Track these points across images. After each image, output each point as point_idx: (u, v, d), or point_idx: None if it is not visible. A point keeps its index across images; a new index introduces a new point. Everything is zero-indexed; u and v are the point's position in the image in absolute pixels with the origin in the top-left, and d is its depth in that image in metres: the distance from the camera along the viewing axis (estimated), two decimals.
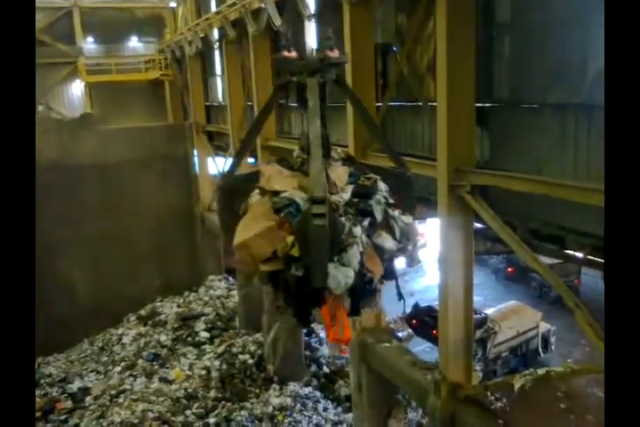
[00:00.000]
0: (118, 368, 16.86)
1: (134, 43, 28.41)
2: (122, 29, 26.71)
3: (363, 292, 4.18)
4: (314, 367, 15.64)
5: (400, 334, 17.23)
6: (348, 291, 3.97)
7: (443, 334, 7.47)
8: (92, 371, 17.41)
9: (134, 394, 14.94)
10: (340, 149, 4.85)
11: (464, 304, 7.25)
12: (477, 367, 14.82)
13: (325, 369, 15.69)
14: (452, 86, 6.50)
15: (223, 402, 14.33)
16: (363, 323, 9.32)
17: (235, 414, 13.78)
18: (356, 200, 4.26)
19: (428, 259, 16.19)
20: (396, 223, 4.32)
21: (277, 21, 10.95)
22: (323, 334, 16.00)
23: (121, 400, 14.86)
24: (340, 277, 3.82)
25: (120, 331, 19.31)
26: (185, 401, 14.50)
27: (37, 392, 16.05)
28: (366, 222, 4.15)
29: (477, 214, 6.76)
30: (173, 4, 24.77)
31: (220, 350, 16.57)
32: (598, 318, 5.48)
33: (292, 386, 14.53)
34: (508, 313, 17.27)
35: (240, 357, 15.86)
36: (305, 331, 15.80)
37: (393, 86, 8.62)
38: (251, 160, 14.15)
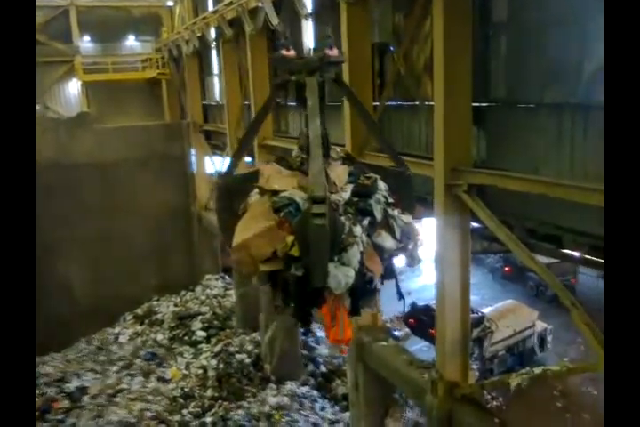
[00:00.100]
0: (115, 367, 16.84)
1: (131, 42, 28.35)
2: (119, 28, 26.63)
3: (363, 291, 4.17)
4: (311, 367, 15.66)
5: (397, 334, 17.25)
6: (349, 291, 3.96)
7: (439, 333, 7.49)
8: (89, 370, 17.35)
9: (131, 393, 14.94)
10: (338, 149, 4.85)
11: (461, 303, 7.27)
12: (474, 366, 14.86)
13: (322, 368, 15.71)
14: (449, 86, 6.51)
15: (220, 401, 14.34)
16: (360, 322, 9.33)
17: (232, 413, 13.77)
18: (355, 199, 4.25)
19: (424, 258, 16.18)
20: (396, 223, 4.32)
21: (274, 20, 10.95)
22: (320, 334, 16.01)
23: (118, 400, 14.85)
24: (341, 276, 3.81)
25: (117, 330, 19.31)
26: (182, 400, 14.51)
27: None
28: (366, 222, 4.14)
29: (474, 214, 6.77)
30: (170, 3, 24.72)
31: (217, 349, 16.57)
32: (595, 316, 5.51)
33: (289, 385, 14.54)
34: (505, 312, 17.31)
35: (237, 356, 15.86)
36: (302, 330, 15.81)
37: (390, 86, 8.62)
38: (248, 159, 14.13)
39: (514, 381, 6.31)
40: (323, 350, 16.36)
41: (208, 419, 13.69)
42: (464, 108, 6.64)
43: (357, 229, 3.99)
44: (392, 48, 8.81)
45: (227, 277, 21.17)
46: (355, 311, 4.27)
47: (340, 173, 4.42)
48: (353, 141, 8.92)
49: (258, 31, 12.51)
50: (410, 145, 8.47)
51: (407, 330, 18.08)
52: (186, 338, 17.86)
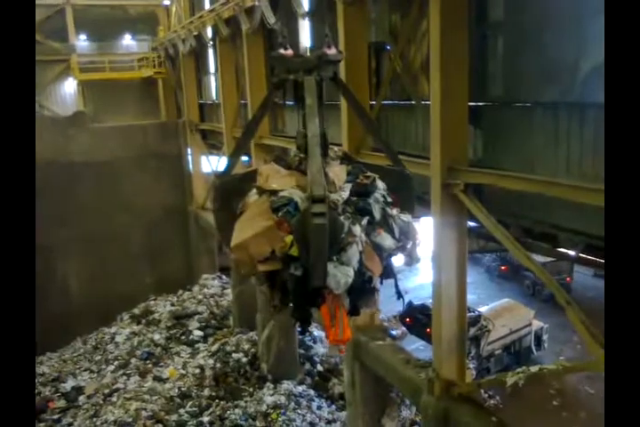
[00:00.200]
0: (112, 367, 16.84)
1: (127, 40, 28.32)
2: (115, 27, 26.60)
3: (362, 291, 4.16)
4: (308, 366, 15.67)
5: (394, 333, 17.25)
6: (348, 290, 3.95)
7: (436, 332, 7.50)
8: (85, 370, 17.36)
9: (128, 393, 14.93)
10: (336, 148, 4.84)
11: (457, 302, 7.29)
12: (471, 365, 14.88)
13: (319, 367, 15.72)
14: (446, 85, 6.52)
15: (217, 401, 14.34)
16: (357, 321, 9.34)
17: (229, 412, 13.78)
18: (354, 199, 4.25)
19: (422, 257, 16.20)
20: (395, 222, 4.31)
21: (271, 19, 10.94)
22: (316, 333, 16.02)
23: (114, 399, 14.84)
24: (340, 276, 3.80)
25: (113, 330, 19.28)
26: (179, 400, 14.49)
27: None
28: (365, 221, 4.13)
29: (471, 213, 6.78)
30: (167, 2, 24.65)
31: (214, 348, 16.57)
32: (590, 315, 5.53)
33: (286, 384, 14.54)
34: (501, 311, 17.33)
35: (234, 355, 15.86)
36: (299, 329, 15.78)
37: (386, 85, 8.63)
38: (244, 159, 14.13)
39: (510, 379, 6.33)
40: (319, 348, 16.37)
41: (205, 418, 13.70)
42: (461, 108, 6.65)
43: (356, 229, 3.98)
44: (388, 47, 8.81)
45: (224, 276, 21.15)
46: (354, 311, 4.26)
47: (338, 172, 4.41)
48: (350, 141, 8.92)
49: (254, 30, 12.51)
50: (406, 144, 8.48)
51: (404, 329, 18.09)
52: (183, 337, 17.85)
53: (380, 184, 4.45)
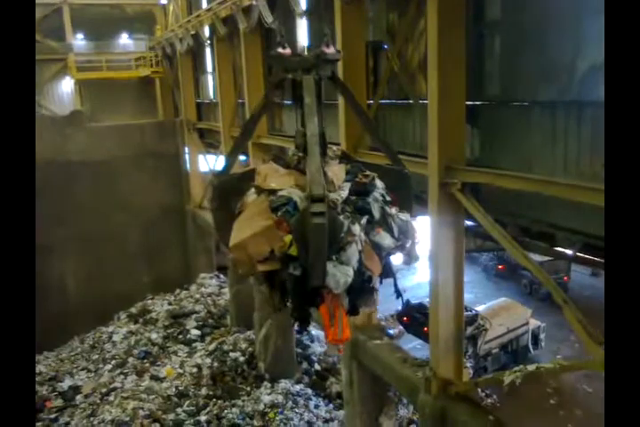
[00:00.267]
0: (109, 366, 16.82)
1: (125, 40, 28.26)
2: (112, 26, 26.54)
3: (362, 291, 4.16)
4: (305, 365, 15.66)
5: (391, 332, 17.25)
6: (347, 290, 3.94)
7: (433, 331, 7.51)
8: (82, 369, 17.34)
9: (125, 392, 14.91)
10: (335, 147, 4.84)
11: (455, 301, 7.29)
12: (468, 364, 14.89)
13: (317, 366, 15.72)
14: (443, 84, 6.52)
15: (214, 400, 14.34)
16: (354, 320, 9.34)
17: (226, 411, 13.78)
18: (353, 198, 4.24)
19: (421, 256, 16.22)
20: (394, 221, 4.31)
21: (269, 18, 10.93)
22: (314, 332, 16.01)
23: (112, 398, 14.83)
24: (340, 275, 3.79)
25: (111, 329, 19.25)
26: (176, 399, 14.49)
27: None
28: (364, 220, 4.12)
29: (468, 212, 6.79)
30: (164, 1, 24.61)
31: (212, 347, 16.56)
32: (587, 314, 5.54)
33: (284, 383, 14.54)
34: (499, 310, 17.36)
35: (231, 354, 15.85)
36: (296, 328, 15.78)
37: (384, 84, 8.63)
38: (242, 158, 14.12)
39: (507, 378, 6.34)
40: (317, 347, 16.37)
41: (202, 418, 13.69)
42: (458, 107, 6.66)
43: (356, 228, 3.98)
44: (386, 46, 8.81)
45: (221, 275, 21.14)
46: (353, 311, 4.26)
47: (337, 171, 4.41)
48: (347, 140, 8.92)
49: (252, 29, 12.50)
50: (404, 143, 8.48)
51: (401, 328, 18.10)
52: (180, 337, 17.84)
53: (379, 183, 4.45)
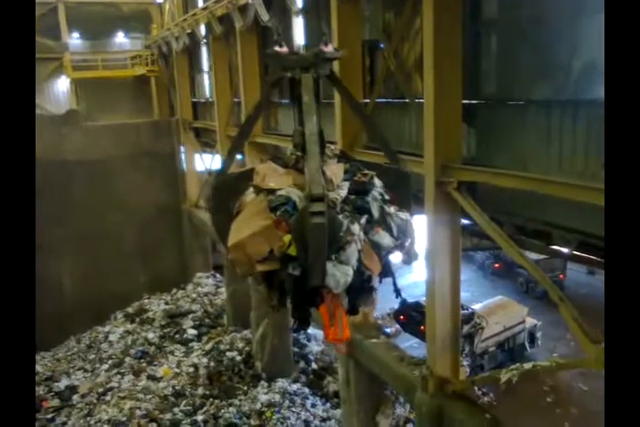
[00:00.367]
0: (105, 366, 16.79)
1: (120, 38, 28.18)
2: (108, 25, 26.45)
3: (361, 290, 4.15)
4: (302, 364, 15.68)
5: (388, 330, 17.26)
6: (347, 289, 3.93)
7: (430, 329, 7.51)
8: (79, 369, 17.31)
9: (122, 392, 14.90)
10: (333, 146, 4.83)
11: (451, 300, 7.30)
12: (465, 362, 14.92)
13: (314, 365, 15.73)
14: (439, 83, 6.52)
15: (211, 399, 14.33)
16: (351, 319, 9.34)
17: (223, 411, 13.78)
18: (352, 197, 4.23)
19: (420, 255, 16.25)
20: (393, 220, 4.30)
21: (265, 17, 10.90)
22: (311, 331, 16.02)
23: (108, 398, 14.82)
24: (339, 275, 3.78)
25: (107, 328, 19.23)
26: (173, 399, 14.48)
27: None
28: (364, 220, 4.11)
29: (464, 211, 6.79)
30: (160, 0, 24.57)
31: (208, 347, 16.55)
32: (583, 312, 5.55)
33: (281, 383, 14.55)
34: (495, 308, 17.39)
35: (228, 354, 15.85)
36: (293, 328, 15.77)
37: (380, 83, 8.63)
38: (238, 157, 14.09)
39: (504, 376, 6.34)
40: (314, 347, 16.38)
41: (199, 417, 13.69)
42: (454, 106, 6.65)
43: (355, 227, 3.96)
44: (382, 45, 8.81)
45: (217, 275, 21.13)
46: (353, 310, 4.25)
47: (336, 170, 4.40)
48: (344, 139, 8.92)
49: (248, 28, 12.47)
50: (400, 142, 8.47)
51: (398, 327, 18.11)
52: (177, 336, 17.82)
53: (378, 182, 4.44)
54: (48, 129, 19.00)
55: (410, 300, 17.34)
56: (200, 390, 14.70)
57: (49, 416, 14.88)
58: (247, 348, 15.90)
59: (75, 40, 26.11)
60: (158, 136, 21.21)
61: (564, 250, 6.89)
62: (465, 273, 13.52)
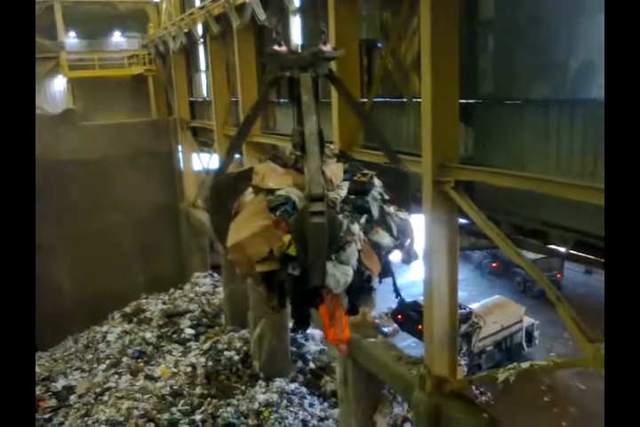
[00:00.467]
0: (103, 366, 16.76)
1: (117, 38, 28.12)
2: (105, 24, 26.41)
3: (361, 290, 4.14)
4: (300, 363, 15.67)
5: (385, 330, 17.28)
6: (347, 290, 3.91)
7: (428, 328, 7.51)
8: (76, 369, 17.27)
9: (119, 392, 14.87)
10: (332, 146, 4.81)
11: (449, 299, 7.30)
12: (462, 362, 14.94)
13: (311, 365, 15.72)
14: (437, 82, 6.52)
15: (209, 399, 14.32)
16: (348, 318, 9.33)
17: (221, 410, 13.76)
18: (352, 197, 4.21)
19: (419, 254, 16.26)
20: (393, 220, 4.29)
21: (262, 16, 10.89)
22: (309, 330, 16.01)
23: (106, 398, 14.79)
24: (339, 275, 3.76)
25: (105, 328, 19.18)
26: (170, 398, 14.47)
27: None
28: (363, 219, 4.10)
29: (462, 210, 6.79)
30: None
31: (206, 346, 16.54)
32: (580, 311, 5.56)
33: (278, 382, 14.54)
34: (493, 308, 17.40)
35: (226, 353, 15.84)
36: (290, 327, 15.79)
37: (378, 83, 8.62)
38: (235, 156, 14.07)
39: (501, 376, 6.34)
40: (311, 346, 16.37)
41: (197, 417, 13.68)
42: (452, 105, 6.65)
43: (355, 227, 3.95)
44: (380, 45, 8.81)
45: (215, 274, 21.10)
46: (353, 310, 4.24)
47: (335, 170, 4.38)
48: (341, 138, 8.91)
49: (245, 27, 12.45)
50: (398, 142, 8.47)
51: (396, 326, 18.12)
52: (174, 336, 17.80)
53: (378, 182, 4.43)
54: (45, 129, 18.94)
55: (408, 299, 17.39)
56: (198, 390, 14.69)
57: (46, 416, 14.85)
58: (245, 347, 15.89)
59: (71, 39, 26.05)
60: (156, 136, 21.17)
61: (562, 249, 6.90)
62: (462, 272, 13.53)
